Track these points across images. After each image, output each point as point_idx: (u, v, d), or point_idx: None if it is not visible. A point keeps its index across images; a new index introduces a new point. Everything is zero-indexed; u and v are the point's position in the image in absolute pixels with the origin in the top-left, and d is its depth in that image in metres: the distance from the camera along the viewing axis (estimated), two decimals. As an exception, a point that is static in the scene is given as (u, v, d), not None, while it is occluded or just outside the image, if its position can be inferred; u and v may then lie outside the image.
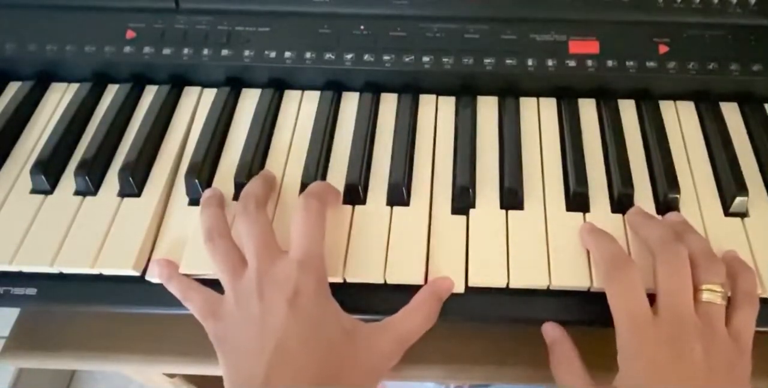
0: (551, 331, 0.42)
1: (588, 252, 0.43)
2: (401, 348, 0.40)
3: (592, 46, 0.51)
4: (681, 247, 0.39)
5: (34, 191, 0.47)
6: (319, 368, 0.37)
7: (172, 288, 0.42)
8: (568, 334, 0.41)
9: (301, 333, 0.37)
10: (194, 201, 0.47)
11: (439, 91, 0.53)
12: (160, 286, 0.43)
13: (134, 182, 0.47)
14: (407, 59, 0.51)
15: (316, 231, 0.40)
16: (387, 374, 0.41)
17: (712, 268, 0.39)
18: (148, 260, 0.44)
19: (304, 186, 0.46)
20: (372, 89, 0.53)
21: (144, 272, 0.43)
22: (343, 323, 0.39)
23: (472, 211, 0.45)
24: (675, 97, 0.52)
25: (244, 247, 0.41)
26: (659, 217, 0.45)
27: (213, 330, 0.40)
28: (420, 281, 0.42)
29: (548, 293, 0.42)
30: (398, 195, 0.46)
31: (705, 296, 0.38)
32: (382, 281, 0.42)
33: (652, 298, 0.39)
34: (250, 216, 0.42)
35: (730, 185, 0.46)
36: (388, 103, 0.52)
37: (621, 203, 0.45)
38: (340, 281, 0.43)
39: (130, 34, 0.52)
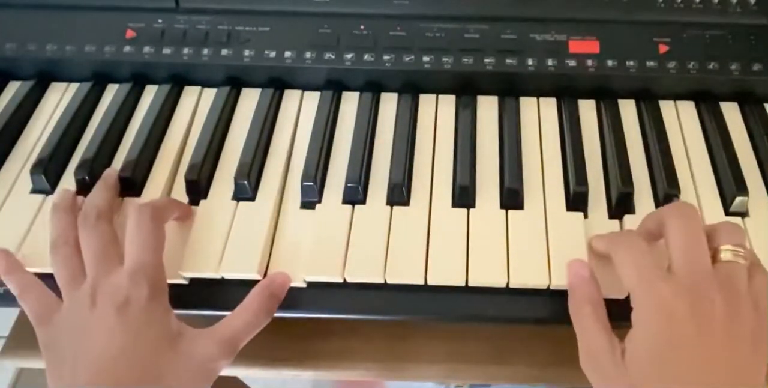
0: (578, 269, 0.40)
1: (588, 252, 0.43)
2: (228, 350, 0.40)
3: (592, 46, 0.51)
4: (692, 206, 0.38)
5: (34, 191, 0.47)
6: (139, 377, 0.37)
7: (10, 284, 0.42)
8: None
9: (125, 340, 0.38)
10: (194, 202, 0.47)
11: (439, 91, 0.53)
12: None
13: (134, 183, 0.47)
14: (407, 59, 0.51)
15: (150, 240, 0.40)
16: (221, 374, 0.41)
17: (732, 231, 0.37)
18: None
19: (304, 186, 0.46)
20: (372, 89, 0.53)
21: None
22: (169, 331, 0.39)
23: (472, 210, 0.45)
24: (675, 96, 0.52)
25: (84, 257, 0.41)
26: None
27: (42, 336, 0.40)
28: (420, 280, 0.42)
29: (548, 293, 0.42)
30: (398, 195, 0.46)
31: (726, 256, 0.36)
32: (382, 281, 0.42)
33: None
34: (89, 227, 0.42)
35: (730, 185, 0.46)
36: (388, 103, 0.52)
37: (621, 202, 0.45)
38: (340, 280, 0.43)
39: (130, 33, 0.52)
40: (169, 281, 0.42)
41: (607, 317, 0.38)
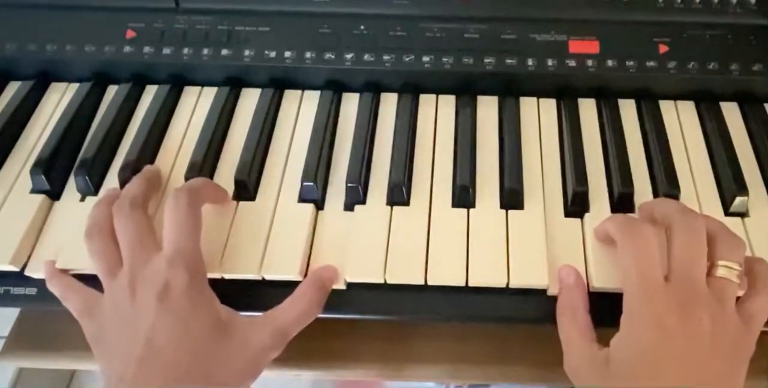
0: (567, 274, 0.41)
1: (584, 253, 0.43)
2: (280, 341, 0.40)
3: (592, 46, 0.51)
4: (700, 218, 0.39)
5: (33, 191, 0.47)
6: (189, 363, 0.37)
7: (52, 287, 0.42)
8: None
9: (171, 329, 0.37)
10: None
11: (439, 91, 0.53)
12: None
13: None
14: (407, 59, 0.51)
15: (187, 225, 0.40)
16: (269, 367, 0.41)
17: (734, 245, 0.38)
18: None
19: (304, 186, 0.46)
20: (372, 89, 0.53)
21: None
22: (218, 317, 0.39)
23: (472, 210, 0.45)
24: (675, 96, 0.52)
25: (120, 246, 0.41)
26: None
27: (88, 329, 0.40)
28: (420, 280, 0.42)
29: (548, 293, 0.42)
30: (398, 195, 0.46)
31: (720, 272, 0.37)
32: (382, 281, 0.42)
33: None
34: (124, 215, 0.41)
35: (730, 185, 0.46)
36: (388, 103, 0.52)
37: (621, 202, 0.45)
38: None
39: (130, 33, 0.52)
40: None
41: (589, 324, 0.39)
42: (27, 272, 0.44)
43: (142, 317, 0.38)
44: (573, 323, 0.39)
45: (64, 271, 0.43)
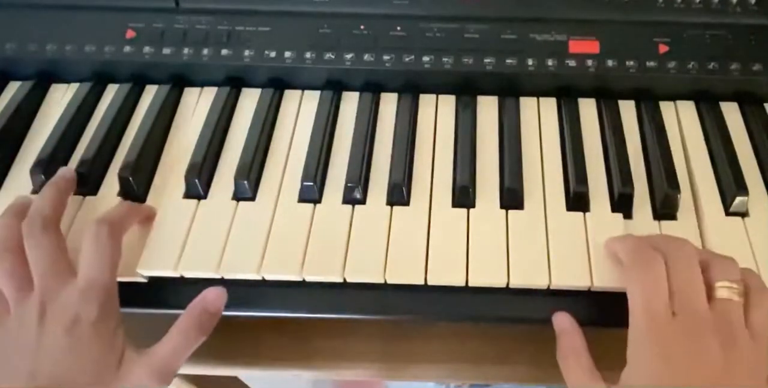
0: (561, 321, 0.41)
1: (588, 252, 0.43)
2: (161, 379, 0.39)
3: (592, 46, 0.51)
4: (689, 244, 0.39)
5: (34, 191, 0.47)
6: None
7: None
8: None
9: (71, 362, 0.37)
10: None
11: (439, 91, 0.53)
12: (160, 286, 0.43)
13: (134, 183, 0.47)
14: (407, 59, 0.51)
15: (104, 257, 0.39)
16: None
17: (726, 266, 0.38)
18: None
19: (304, 186, 0.46)
20: (372, 89, 0.53)
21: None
22: (115, 357, 0.39)
23: (472, 210, 0.45)
24: (675, 97, 0.52)
25: (31, 269, 0.40)
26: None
27: None
28: (420, 280, 0.42)
29: (548, 293, 0.42)
30: (398, 195, 0.46)
31: (720, 294, 0.37)
32: (382, 281, 0.42)
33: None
34: (35, 238, 0.40)
35: (730, 185, 0.46)
36: (388, 103, 0.52)
37: (621, 202, 0.45)
38: (340, 280, 0.43)
39: (130, 33, 0.52)
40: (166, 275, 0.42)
41: (591, 362, 0.39)
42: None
43: (46, 347, 0.37)
44: (579, 367, 0.39)
45: None
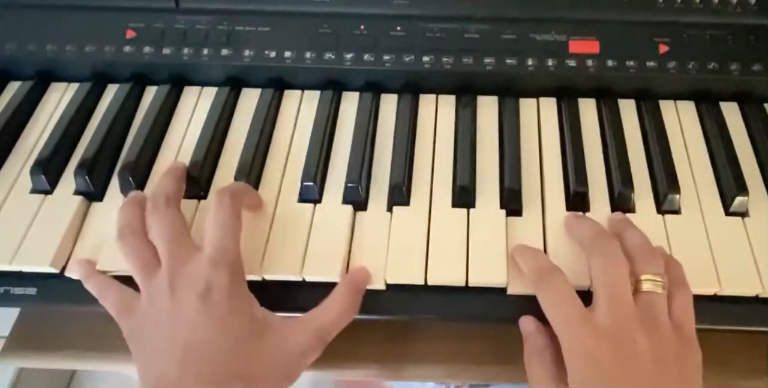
0: (527, 324, 0.42)
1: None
2: (318, 344, 0.39)
3: (592, 46, 0.51)
4: (612, 240, 0.40)
5: (34, 191, 0.47)
6: (228, 364, 0.37)
7: (89, 286, 0.42)
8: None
9: (211, 330, 0.37)
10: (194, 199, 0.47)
11: (439, 91, 0.53)
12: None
13: (134, 182, 0.47)
14: (407, 59, 0.51)
15: (229, 227, 0.40)
16: (313, 368, 0.41)
17: (650, 259, 0.39)
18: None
19: (304, 186, 0.46)
20: (372, 89, 0.53)
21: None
22: (257, 319, 0.39)
23: (472, 210, 0.45)
24: (675, 97, 0.52)
25: (156, 245, 0.41)
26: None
27: (126, 327, 0.40)
28: (420, 280, 0.42)
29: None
30: (398, 195, 0.46)
31: (645, 286, 0.38)
32: (382, 281, 0.42)
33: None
34: (160, 214, 0.41)
35: (730, 185, 0.46)
36: (388, 103, 0.52)
37: (621, 202, 0.45)
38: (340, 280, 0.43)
39: (130, 33, 0.52)
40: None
41: (554, 365, 0.39)
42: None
43: (182, 318, 0.38)
44: (542, 368, 0.39)
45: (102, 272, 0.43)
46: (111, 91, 0.53)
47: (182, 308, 0.38)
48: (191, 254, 0.40)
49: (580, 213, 0.45)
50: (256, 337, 0.38)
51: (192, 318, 0.37)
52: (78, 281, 0.43)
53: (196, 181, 0.46)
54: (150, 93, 0.53)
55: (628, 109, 0.52)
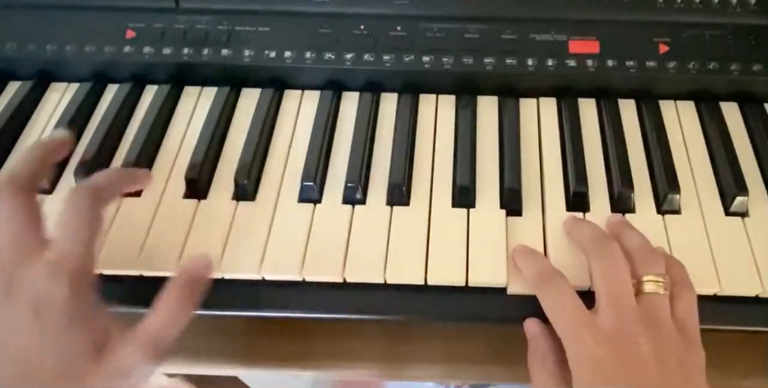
0: (531, 327, 0.42)
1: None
2: (153, 354, 0.35)
3: (592, 46, 0.51)
4: (612, 242, 0.40)
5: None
6: (55, 384, 0.33)
7: None
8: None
9: (43, 347, 0.33)
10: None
11: (439, 91, 0.53)
12: (160, 286, 0.43)
13: (134, 182, 0.47)
14: (407, 59, 0.51)
15: (81, 228, 0.36)
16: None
17: (651, 260, 0.39)
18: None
19: (304, 186, 0.46)
20: (372, 89, 0.53)
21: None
22: (95, 336, 0.35)
23: (472, 210, 0.45)
24: (675, 96, 0.52)
25: None
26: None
27: None
28: (420, 280, 0.42)
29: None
30: (398, 195, 0.46)
31: (647, 288, 0.38)
32: (382, 281, 0.42)
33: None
34: (4, 200, 0.36)
35: (730, 185, 0.46)
36: (388, 103, 0.52)
37: (621, 202, 0.45)
38: (340, 280, 0.43)
39: (130, 33, 0.52)
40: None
41: (558, 369, 0.39)
42: None
43: (14, 326, 0.34)
44: (545, 371, 0.39)
45: None
46: (111, 91, 0.54)
47: (15, 315, 0.34)
48: (35, 252, 0.35)
49: (579, 215, 0.45)
50: (90, 356, 0.34)
51: (24, 329, 0.33)
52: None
53: (196, 181, 0.46)
54: (150, 93, 0.53)
55: (628, 109, 0.52)
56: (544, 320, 0.40)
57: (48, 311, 0.34)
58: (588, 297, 0.39)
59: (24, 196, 0.36)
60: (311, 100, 0.52)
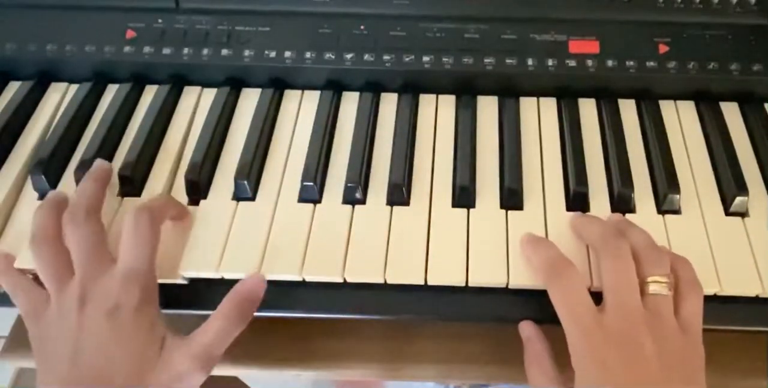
0: (526, 329, 0.42)
1: (588, 250, 0.43)
2: (203, 364, 0.39)
3: (592, 46, 0.51)
4: (622, 242, 0.40)
5: (35, 191, 0.47)
6: (124, 381, 0.37)
7: (2, 283, 0.42)
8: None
9: (114, 349, 0.37)
10: (194, 202, 0.46)
11: (439, 91, 0.53)
12: (164, 289, 0.43)
13: (134, 182, 0.47)
14: (407, 59, 0.51)
15: (145, 245, 0.40)
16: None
17: (656, 260, 0.39)
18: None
19: (304, 186, 0.46)
20: (372, 89, 0.53)
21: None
22: (156, 339, 0.39)
23: (472, 211, 0.45)
24: (675, 96, 0.52)
25: (71, 253, 0.40)
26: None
27: (32, 331, 0.40)
28: (420, 280, 0.42)
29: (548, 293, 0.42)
30: (398, 195, 0.46)
31: (651, 288, 0.38)
32: (382, 281, 0.42)
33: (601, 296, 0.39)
34: (77, 225, 0.40)
35: (730, 185, 0.46)
36: (388, 103, 0.52)
37: (621, 202, 0.45)
38: (340, 280, 0.43)
39: (130, 33, 0.52)
40: (169, 281, 0.42)
41: (554, 369, 0.40)
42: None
43: (87, 332, 0.38)
44: (542, 373, 0.40)
45: (22, 270, 0.42)
46: (111, 91, 0.53)
47: (89, 323, 0.38)
48: (105, 267, 0.39)
49: (588, 213, 0.45)
50: (154, 360, 0.38)
51: (97, 334, 0.37)
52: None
53: (196, 182, 0.46)
54: (150, 93, 0.53)
55: (628, 109, 0.52)
56: (543, 320, 0.40)
57: (121, 316, 0.38)
58: (592, 295, 0.39)
59: (95, 219, 0.41)
60: (311, 100, 0.52)
